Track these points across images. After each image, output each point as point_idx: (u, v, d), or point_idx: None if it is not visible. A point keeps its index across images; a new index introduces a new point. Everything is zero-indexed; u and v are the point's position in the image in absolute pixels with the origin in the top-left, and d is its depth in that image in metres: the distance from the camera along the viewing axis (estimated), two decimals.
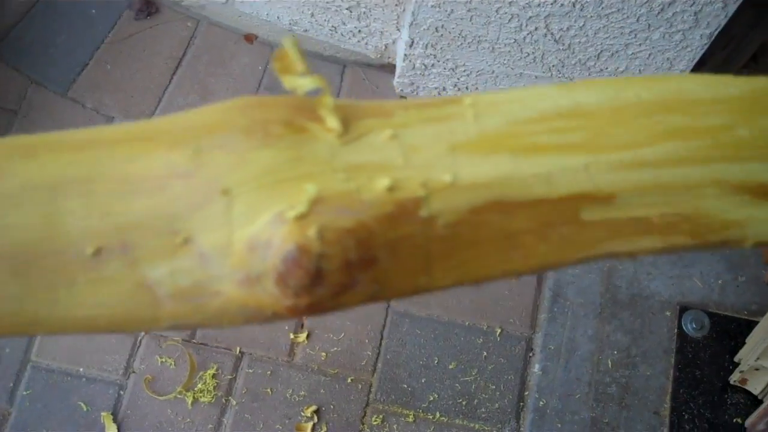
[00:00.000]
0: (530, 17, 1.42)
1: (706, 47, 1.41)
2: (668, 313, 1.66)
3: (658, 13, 1.36)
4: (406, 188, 0.26)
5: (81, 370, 1.57)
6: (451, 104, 0.28)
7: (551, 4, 1.38)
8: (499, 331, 1.64)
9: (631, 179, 0.28)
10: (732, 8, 1.33)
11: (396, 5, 1.54)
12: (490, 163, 0.27)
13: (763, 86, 0.30)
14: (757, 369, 1.59)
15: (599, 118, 0.28)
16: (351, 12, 1.58)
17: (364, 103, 0.28)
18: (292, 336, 1.60)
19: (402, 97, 1.75)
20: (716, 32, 1.39)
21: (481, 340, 1.63)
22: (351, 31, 1.63)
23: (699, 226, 0.28)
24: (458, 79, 1.60)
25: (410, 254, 0.27)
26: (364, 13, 1.57)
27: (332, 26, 1.62)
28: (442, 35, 1.50)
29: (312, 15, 1.61)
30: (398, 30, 1.59)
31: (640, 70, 1.48)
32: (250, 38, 1.72)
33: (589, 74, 1.52)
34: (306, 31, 1.65)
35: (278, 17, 1.64)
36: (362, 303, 0.28)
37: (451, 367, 1.61)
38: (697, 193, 0.28)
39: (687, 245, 0.29)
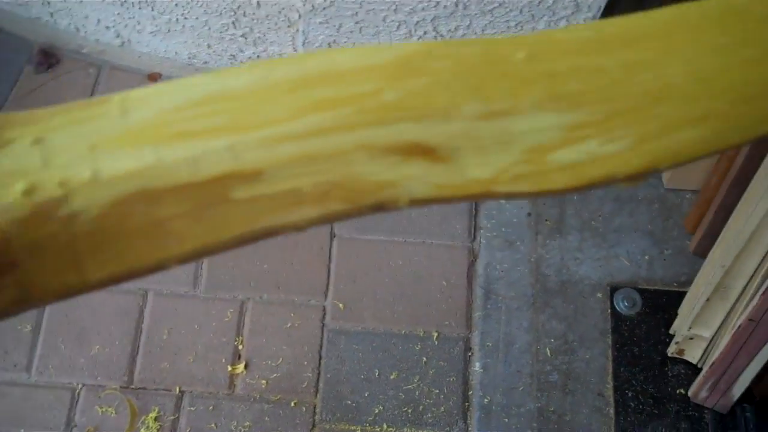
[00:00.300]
0: (417, 22, 1.43)
1: None
2: (599, 295, 1.67)
3: (539, 2, 1.38)
4: (44, 190, 0.27)
5: (22, 431, 1.56)
6: (99, 104, 0.29)
7: (434, 7, 1.39)
8: (436, 335, 1.64)
9: (276, 154, 0.29)
10: None
11: (288, 26, 1.55)
12: (133, 155, 0.28)
13: (413, 50, 0.31)
14: (691, 338, 1.60)
15: (245, 100, 0.29)
16: (246, 39, 1.59)
17: (15, 113, 0.29)
18: (229, 368, 1.60)
19: None
20: (599, 15, 1.41)
21: (419, 346, 1.64)
22: (250, 57, 1.64)
23: (352, 191, 0.29)
24: None
25: (55, 254, 0.27)
26: (259, 38, 1.58)
27: (230, 55, 1.63)
28: None
29: (209, 46, 1.61)
30: (294, 50, 1.60)
31: None
32: (153, 77, 1.72)
33: None
34: (206, 63, 1.66)
35: (176, 53, 1.64)
36: (11, 308, 0.28)
37: (392, 377, 1.62)
38: (346, 160, 0.29)
39: (344, 210, 0.29)
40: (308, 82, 0.30)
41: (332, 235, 1.69)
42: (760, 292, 1.43)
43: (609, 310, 1.66)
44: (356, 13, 1.42)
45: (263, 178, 0.28)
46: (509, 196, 0.31)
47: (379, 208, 0.30)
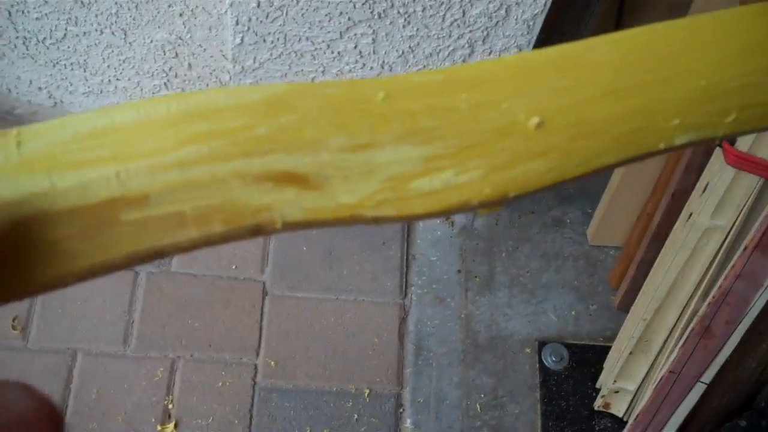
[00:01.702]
0: None
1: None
2: (528, 350, 1.70)
3: (461, 65, 1.43)
4: None
5: None
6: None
7: (361, 68, 1.44)
8: (367, 392, 1.65)
9: (160, 181, 0.31)
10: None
11: (219, 87, 1.58)
12: (27, 182, 0.30)
13: (284, 90, 0.34)
14: (616, 392, 1.64)
15: (130, 133, 0.32)
16: (184, 91, 1.61)
17: None
18: (159, 428, 1.58)
19: None
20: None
21: (350, 403, 1.64)
22: None
23: (231, 214, 0.32)
24: None
25: None
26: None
27: None
28: None
29: None
30: None
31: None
32: None
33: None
34: None
35: None
36: None
37: None
38: (224, 186, 0.32)
39: (224, 232, 0.32)
40: (188, 117, 0.33)
41: (264, 293, 1.70)
42: (680, 344, 1.48)
43: (537, 365, 1.69)
44: (285, 74, 1.45)
45: (149, 202, 0.31)
46: (376, 220, 0.34)
47: (258, 230, 0.33)
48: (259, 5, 1.31)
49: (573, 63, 0.37)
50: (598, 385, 1.68)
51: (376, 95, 0.35)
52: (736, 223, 1.40)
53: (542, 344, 1.71)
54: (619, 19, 1.70)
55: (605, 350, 1.69)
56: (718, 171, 1.39)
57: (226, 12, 1.36)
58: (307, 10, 1.32)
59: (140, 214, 0.31)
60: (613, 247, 1.81)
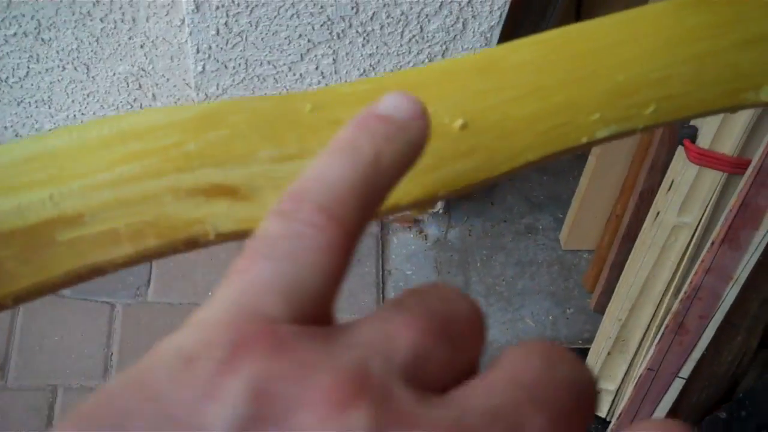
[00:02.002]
0: None
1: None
2: None
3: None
4: None
5: None
6: None
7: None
8: None
9: (93, 200, 0.32)
10: None
11: None
12: None
13: (213, 107, 0.35)
14: (597, 392, 1.65)
15: (64, 156, 0.33)
16: None
17: None
18: None
19: None
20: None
21: None
22: None
23: (164, 228, 0.33)
24: None
25: None
26: None
27: None
28: None
29: None
30: None
31: None
32: None
33: None
34: None
35: None
36: None
37: None
38: (156, 202, 0.33)
39: (159, 246, 0.33)
40: (121, 138, 0.34)
41: None
42: (656, 342, 1.49)
43: None
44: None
45: (83, 222, 0.32)
46: None
47: (192, 242, 0.34)
48: (218, 32, 1.33)
49: (496, 65, 0.39)
50: None
51: (304, 107, 0.36)
52: (703, 219, 1.42)
53: None
54: None
55: (584, 352, 1.70)
56: (681, 169, 1.41)
57: (186, 41, 1.38)
58: (266, 34, 1.34)
59: (76, 234, 0.32)
60: (586, 251, 1.83)
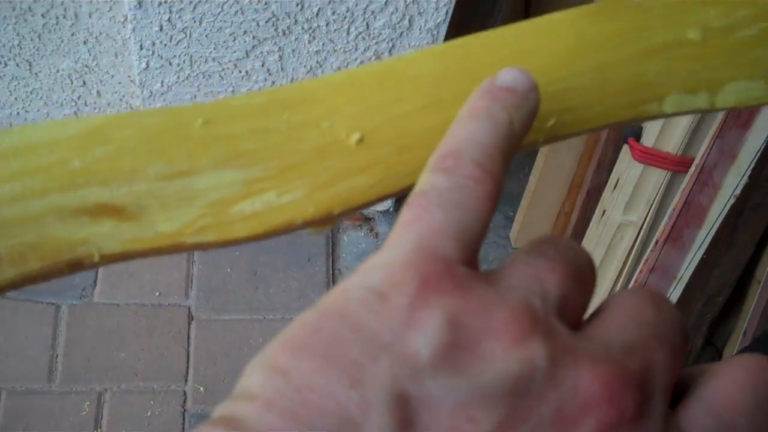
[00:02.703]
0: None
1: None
2: None
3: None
4: None
5: None
6: None
7: (271, 84, 1.44)
8: None
9: None
10: None
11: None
12: None
13: (100, 121, 0.34)
14: None
15: None
16: None
17: None
18: None
19: None
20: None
21: None
22: None
23: (47, 251, 0.32)
24: None
25: None
26: None
27: None
28: None
29: None
30: None
31: None
32: None
33: None
34: None
35: None
36: None
37: None
38: (39, 223, 0.32)
39: (41, 269, 0.32)
40: (2, 157, 0.32)
41: (190, 318, 1.68)
42: None
43: None
44: (195, 96, 1.44)
45: None
46: (198, 247, 0.33)
47: (76, 264, 0.32)
48: (161, 29, 1.31)
49: (395, 77, 0.38)
50: None
51: (195, 121, 0.35)
52: (648, 218, 1.43)
53: None
54: None
55: None
56: (626, 167, 1.42)
57: (129, 37, 1.35)
58: (210, 30, 1.32)
59: None
60: None
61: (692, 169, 1.31)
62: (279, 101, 0.36)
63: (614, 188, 1.45)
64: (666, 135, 1.35)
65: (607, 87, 0.39)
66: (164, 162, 0.34)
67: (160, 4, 1.26)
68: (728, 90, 0.41)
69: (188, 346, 1.66)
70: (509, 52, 0.39)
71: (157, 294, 1.69)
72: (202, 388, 1.63)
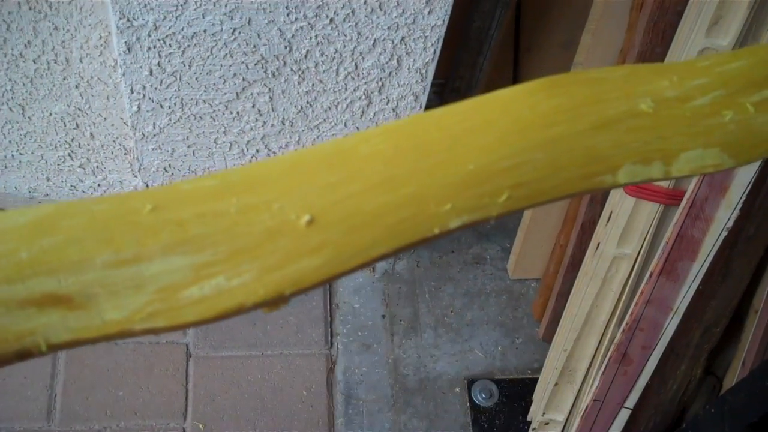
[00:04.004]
0: (248, 141, 1.48)
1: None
2: (458, 389, 1.71)
3: (361, 116, 1.45)
4: None
5: None
6: None
7: (262, 126, 1.45)
8: None
9: None
10: (423, 99, 1.43)
11: (125, 154, 1.58)
12: None
13: (48, 211, 0.34)
14: (546, 423, 1.65)
15: None
16: (84, 169, 1.60)
17: None
18: None
19: None
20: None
21: None
22: (91, 186, 1.65)
23: None
24: None
25: None
26: (98, 167, 1.60)
27: (71, 186, 1.64)
28: (172, 174, 1.54)
29: (48, 179, 1.62)
30: (134, 176, 1.63)
31: None
32: None
33: None
34: (47, 195, 1.66)
35: (16, 187, 1.65)
36: None
37: None
38: None
39: None
40: None
41: (188, 355, 1.68)
42: (601, 372, 1.49)
43: (468, 404, 1.69)
44: (187, 137, 1.45)
45: None
46: (148, 332, 0.34)
47: (24, 354, 0.33)
48: (151, 73, 1.32)
49: (344, 157, 0.38)
50: (529, 418, 1.69)
51: (143, 207, 0.35)
52: (642, 251, 1.43)
53: (471, 382, 1.71)
54: (516, 59, 1.74)
55: (534, 382, 1.70)
56: (619, 201, 1.42)
57: (120, 81, 1.36)
58: (200, 74, 1.33)
59: None
60: (533, 280, 1.83)
61: (683, 203, 1.31)
62: (229, 184, 0.37)
63: (607, 221, 1.45)
64: None
65: (560, 161, 0.40)
66: (112, 250, 0.34)
67: (149, 48, 1.27)
68: (683, 159, 0.41)
69: (187, 383, 1.66)
70: (461, 128, 0.39)
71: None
72: (201, 426, 1.63)
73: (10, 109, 1.46)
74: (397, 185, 0.37)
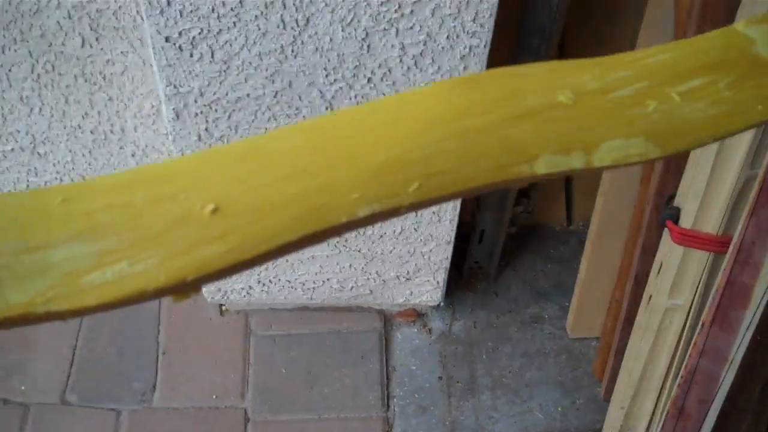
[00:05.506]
0: None
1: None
2: None
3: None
4: None
5: None
6: None
7: None
8: None
9: None
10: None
11: None
12: None
13: None
14: None
15: None
16: None
17: None
18: None
19: (221, 306, 1.81)
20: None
21: None
22: None
23: None
24: (259, 275, 1.67)
25: None
26: None
27: None
28: None
29: None
30: None
31: (414, 228, 1.58)
32: None
33: (371, 241, 1.60)
34: None
35: None
36: None
37: None
38: None
39: None
40: None
41: (246, 420, 1.70)
42: (659, 429, 1.45)
43: None
44: None
45: None
46: (49, 316, 0.35)
47: None
48: (200, 138, 1.37)
49: (258, 152, 0.40)
50: None
51: (54, 200, 0.37)
52: (695, 301, 1.39)
53: None
54: None
55: None
56: (668, 250, 1.39)
57: (172, 148, 1.42)
58: (245, 136, 1.38)
59: None
60: (593, 338, 1.80)
61: (730, 248, 1.28)
62: (140, 178, 0.39)
63: (658, 273, 1.42)
64: (704, 215, 1.33)
65: (474, 151, 0.40)
66: (20, 238, 0.37)
67: (196, 114, 1.33)
68: (605, 149, 0.42)
69: None
70: (373, 122, 0.41)
71: (214, 397, 1.72)
72: None
73: (72, 180, 1.53)
74: (305, 177, 0.39)
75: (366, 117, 0.41)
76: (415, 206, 0.40)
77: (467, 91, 0.42)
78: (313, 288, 1.72)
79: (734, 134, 0.43)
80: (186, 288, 0.37)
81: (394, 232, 1.58)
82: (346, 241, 1.60)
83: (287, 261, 1.64)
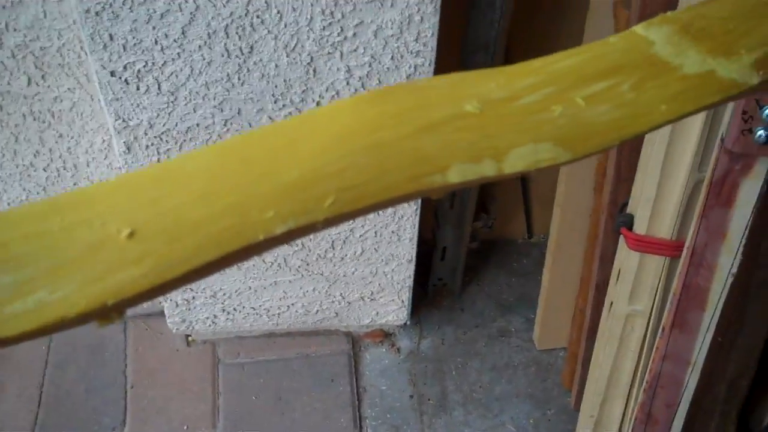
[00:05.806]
0: None
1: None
2: None
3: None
4: None
5: None
6: None
7: None
8: None
9: None
10: None
11: None
12: None
13: None
14: None
15: None
16: None
17: None
18: None
19: (188, 336, 1.80)
20: None
21: None
22: None
23: None
24: (223, 303, 1.67)
25: None
26: None
27: None
28: None
29: None
30: None
31: (375, 249, 1.58)
32: None
33: (333, 264, 1.61)
34: None
35: None
36: None
37: None
38: None
39: None
40: None
41: None
42: None
43: None
44: None
45: None
46: None
47: None
48: None
49: (171, 174, 0.40)
50: None
51: None
52: (655, 306, 1.40)
53: None
54: None
55: None
56: (625, 257, 1.40)
57: None
58: None
59: None
60: (561, 348, 1.80)
61: (684, 251, 1.29)
62: (55, 206, 0.39)
63: (617, 280, 1.43)
64: (657, 221, 1.34)
65: (386, 164, 0.41)
66: None
67: (147, 146, 1.33)
68: (514, 155, 0.42)
69: None
70: (284, 140, 0.41)
71: (185, 428, 1.71)
72: None
73: None
74: (218, 197, 0.39)
75: (279, 134, 0.42)
76: (331, 221, 0.40)
77: (377, 105, 0.43)
78: (279, 314, 1.72)
79: (641, 135, 0.44)
80: (108, 312, 0.37)
81: (355, 253, 1.58)
82: (308, 265, 1.60)
83: (250, 288, 1.64)
